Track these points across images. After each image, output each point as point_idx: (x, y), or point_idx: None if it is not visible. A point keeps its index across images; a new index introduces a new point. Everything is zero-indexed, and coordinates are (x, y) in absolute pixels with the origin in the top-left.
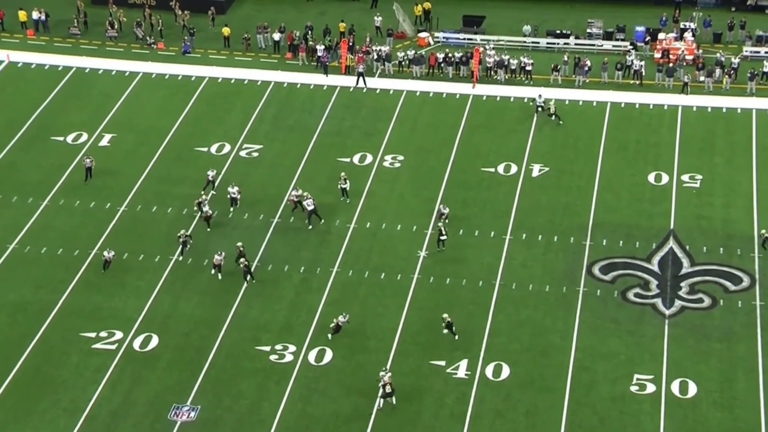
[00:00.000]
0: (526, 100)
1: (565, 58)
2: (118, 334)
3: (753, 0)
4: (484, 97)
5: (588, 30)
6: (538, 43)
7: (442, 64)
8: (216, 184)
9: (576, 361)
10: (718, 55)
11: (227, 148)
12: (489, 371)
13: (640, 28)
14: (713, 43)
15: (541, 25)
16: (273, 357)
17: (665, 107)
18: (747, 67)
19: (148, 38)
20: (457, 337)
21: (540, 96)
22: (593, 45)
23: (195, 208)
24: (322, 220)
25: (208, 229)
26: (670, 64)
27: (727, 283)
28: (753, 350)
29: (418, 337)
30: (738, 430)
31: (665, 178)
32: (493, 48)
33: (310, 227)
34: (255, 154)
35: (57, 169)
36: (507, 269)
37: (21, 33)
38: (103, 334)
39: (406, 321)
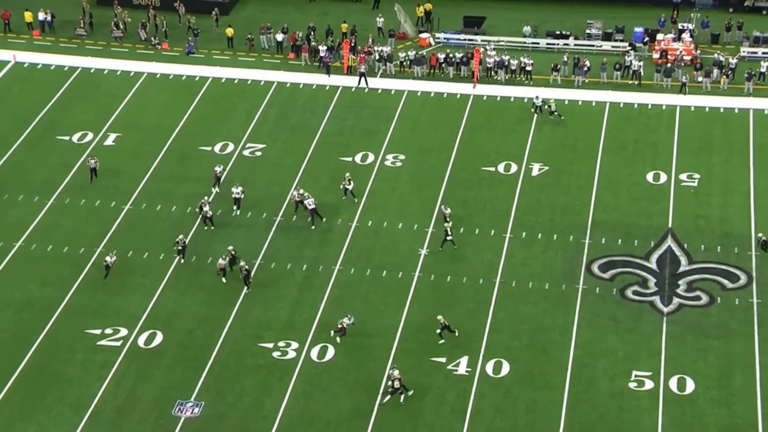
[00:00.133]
0: (526, 100)
1: (565, 59)
2: (123, 331)
3: (750, 1)
4: (485, 97)
5: (587, 31)
6: (538, 43)
7: (443, 65)
8: (222, 179)
9: (575, 358)
10: (715, 55)
11: (231, 147)
12: (489, 368)
13: (639, 29)
14: (711, 44)
15: (541, 25)
16: (276, 354)
17: (663, 107)
18: (744, 68)
19: (152, 39)
20: (456, 332)
21: (538, 97)
22: (592, 45)
23: (198, 210)
24: (323, 219)
25: (206, 228)
26: (669, 65)
27: (725, 281)
28: (750, 347)
29: (419, 334)
30: (735, 426)
31: (663, 178)
32: (494, 48)
33: (313, 227)
34: (258, 154)
35: (63, 169)
36: (507, 267)
37: (27, 34)
38: (108, 331)
39: (408, 318)
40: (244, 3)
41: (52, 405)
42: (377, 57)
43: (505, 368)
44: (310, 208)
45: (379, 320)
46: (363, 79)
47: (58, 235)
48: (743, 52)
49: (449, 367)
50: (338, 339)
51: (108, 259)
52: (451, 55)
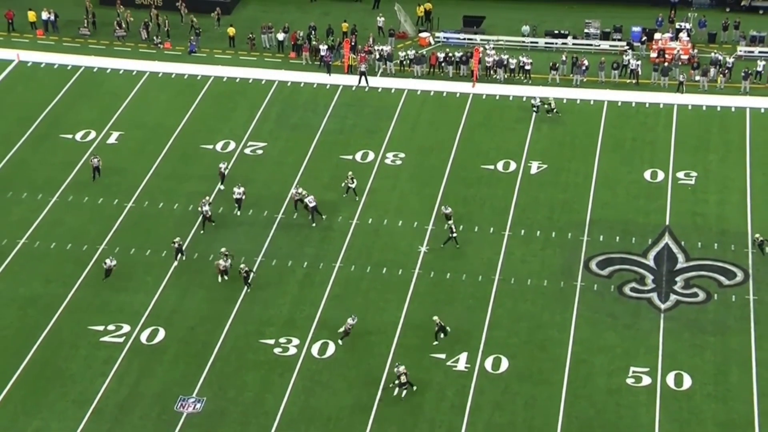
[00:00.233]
0: (524, 99)
1: (563, 58)
2: (126, 328)
3: (747, 1)
4: (484, 96)
5: (585, 30)
6: (537, 43)
7: (443, 64)
8: (226, 177)
9: (573, 354)
10: (712, 54)
11: (232, 145)
12: (488, 364)
13: (637, 29)
14: (708, 43)
15: (540, 25)
16: (277, 350)
17: (661, 106)
18: (741, 67)
19: (155, 38)
20: (449, 328)
21: (536, 98)
22: (591, 45)
23: (199, 210)
24: (324, 217)
25: (207, 228)
26: (666, 64)
27: (722, 278)
28: (746, 343)
29: (419, 330)
30: (732, 421)
31: (661, 176)
32: (493, 48)
33: (314, 224)
34: (259, 152)
35: (66, 166)
36: (506, 264)
37: (31, 33)
38: (110, 327)
39: (407, 315)
40: (246, 2)
41: (55, 400)
42: (377, 56)
43: (504, 364)
44: (311, 206)
45: (379, 317)
46: (363, 78)
47: (61, 232)
48: (740, 51)
49: (449, 363)
50: (339, 341)
51: (108, 261)
52: (450, 55)
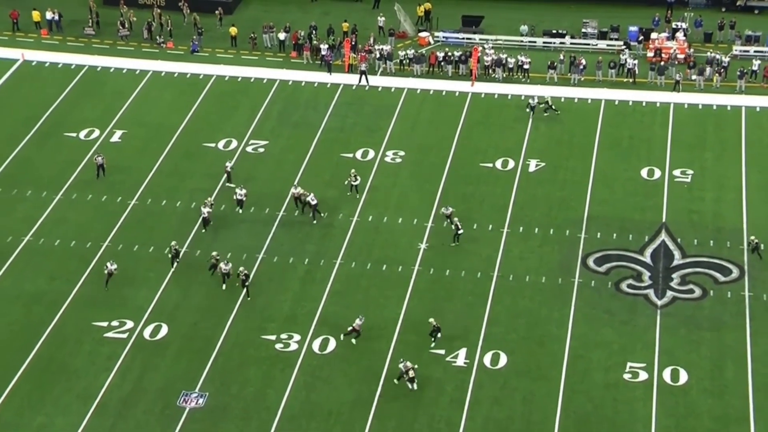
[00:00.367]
0: (523, 98)
1: (561, 57)
2: (129, 324)
3: (742, 1)
4: (483, 95)
5: (583, 30)
6: (535, 42)
7: (442, 63)
8: (231, 175)
9: (571, 350)
10: (708, 54)
11: (234, 143)
12: (487, 360)
13: (634, 28)
14: (704, 43)
15: (538, 25)
16: (278, 346)
17: (657, 104)
18: (737, 66)
19: (157, 38)
20: (439, 335)
21: (534, 99)
22: (588, 44)
23: (202, 208)
24: (323, 215)
25: (208, 226)
26: (663, 63)
27: (717, 275)
28: (742, 339)
29: (419, 326)
30: (727, 416)
31: (657, 173)
32: (492, 47)
33: (314, 222)
34: (261, 150)
35: (70, 165)
36: (505, 261)
37: (35, 33)
38: (114, 323)
39: (407, 311)
40: (248, 2)
41: (59, 395)
42: (378, 55)
43: (503, 360)
44: (313, 204)
45: (380, 313)
46: (364, 77)
47: (65, 229)
48: (735, 50)
49: (448, 358)
50: (353, 341)
51: (109, 266)
52: (449, 54)
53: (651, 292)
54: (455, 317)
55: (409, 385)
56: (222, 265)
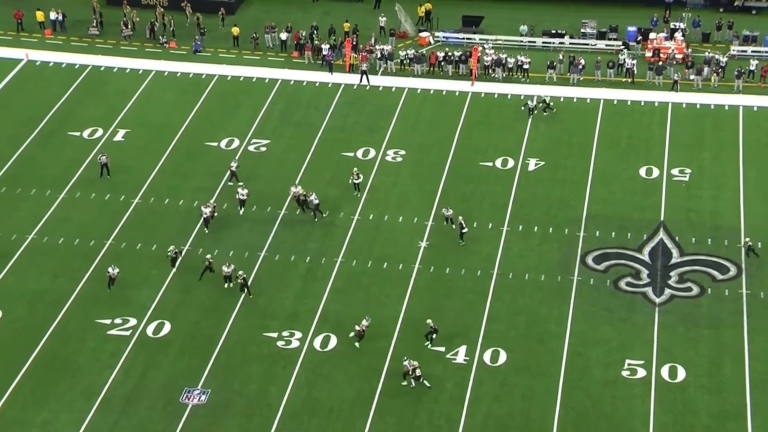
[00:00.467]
0: (522, 97)
1: (560, 57)
2: (132, 321)
3: (740, 1)
4: (483, 95)
5: (582, 30)
6: (535, 42)
7: (442, 63)
8: (236, 174)
9: (570, 347)
10: (706, 54)
11: (236, 143)
12: (487, 357)
13: (632, 28)
14: (702, 43)
15: (538, 25)
16: (280, 343)
17: (656, 104)
18: (734, 66)
19: (160, 38)
20: (435, 336)
21: (532, 100)
22: (587, 44)
23: (202, 209)
24: (325, 214)
25: (210, 226)
26: (661, 63)
27: (715, 273)
28: (739, 337)
29: (419, 324)
30: (725, 413)
31: (656, 172)
32: (492, 47)
33: (316, 220)
34: (263, 149)
35: (73, 164)
36: (504, 259)
37: (39, 33)
38: (117, 320)
39: (408, 309)
40: (249, 3)
41: (63, 392)
42: (378, 55)
43: (503, 357)
44: (315, 203)
45: (380, 311)
46: (365, 76)
47: (69, 228)
48: (733, 50)
49: (448, 356)
50: (356, 344)
51: (111, 270)
52: (450, 54)
53: (649, 290)
54: (455, 315)
55: (417, 383)
56: (224, 267)
